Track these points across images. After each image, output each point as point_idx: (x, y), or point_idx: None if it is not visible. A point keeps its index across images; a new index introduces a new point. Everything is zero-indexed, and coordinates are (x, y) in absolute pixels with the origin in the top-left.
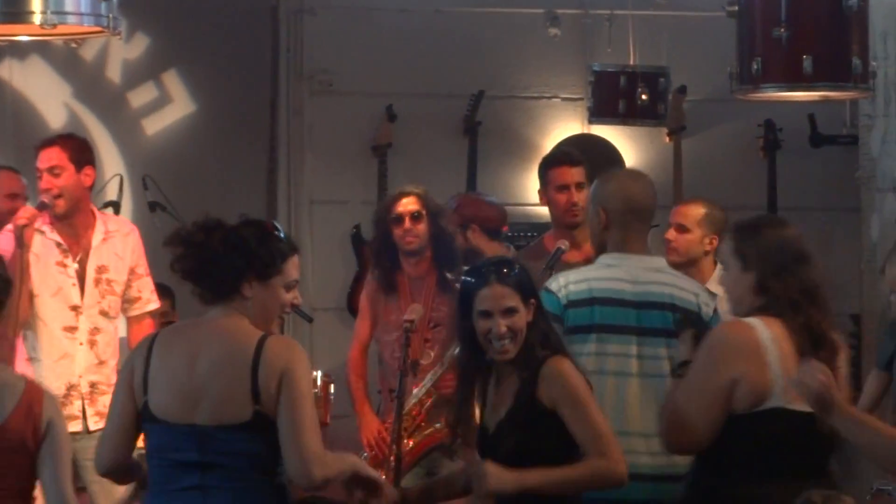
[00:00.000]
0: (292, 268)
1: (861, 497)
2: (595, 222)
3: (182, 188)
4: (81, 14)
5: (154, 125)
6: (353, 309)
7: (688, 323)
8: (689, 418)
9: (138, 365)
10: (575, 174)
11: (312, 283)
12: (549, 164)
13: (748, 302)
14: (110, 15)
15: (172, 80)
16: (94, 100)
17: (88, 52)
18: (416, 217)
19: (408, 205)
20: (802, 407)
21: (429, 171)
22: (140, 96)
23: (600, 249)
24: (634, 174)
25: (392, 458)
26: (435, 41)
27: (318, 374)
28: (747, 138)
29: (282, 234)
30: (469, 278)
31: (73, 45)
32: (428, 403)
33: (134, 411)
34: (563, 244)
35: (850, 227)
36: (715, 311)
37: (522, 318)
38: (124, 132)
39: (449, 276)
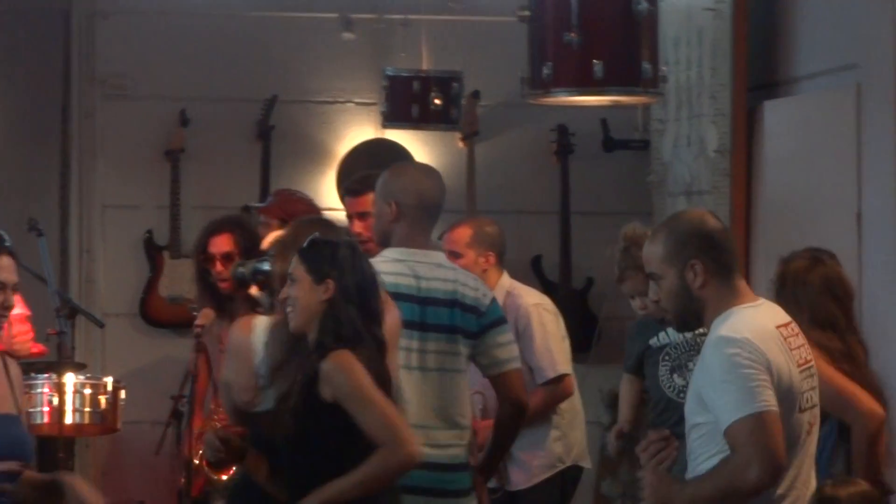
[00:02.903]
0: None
1: None
2: (384, 215)
3: None
4: None
5: None
6: (145, 314)
7: None
8: None
9: None
10: (353, 205)
11: (104, 287)
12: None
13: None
14: None
15: None
16: None
17: None
18: (227, 258)
19: (221, 244)
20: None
21: (222, 175)
22: None
23: (384, 243)
24: (426, 169)
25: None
26: (228, 45)
27: (110, 379)
28: (540, 143)
29: None
30: None
31: None
32: None
33: None
34: None
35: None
36: (492, 301)
37: (300, 289)
38: None
39: None
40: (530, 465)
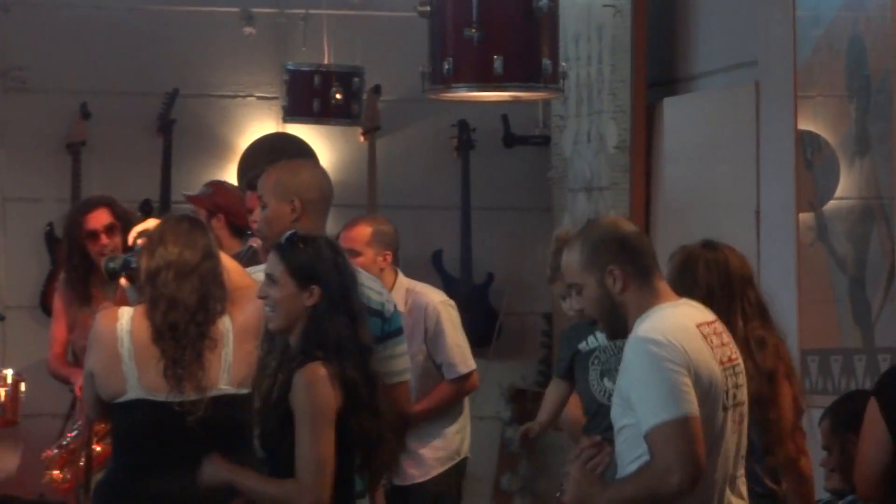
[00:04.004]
0: None
1: (554, 488)
2: (283, 214)
3: None
4: None
5: None
6: (46, 307)
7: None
8: None
9: None
10: (255, 199)
11: (5, 280)
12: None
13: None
14: None
15: None
16: None
17: None
18: (110, 229)
19: (100, 218)
20: (167, 397)
21: (123, 169)
22: None
23: None
24: (315, 164)
25: (82, 459)
26: (129, 39)
27: (10, 372)
28: (442, 138)
29: None
30: None
31: None
32: None
33: None
34: (255, 243)
35: (543, 226)
36: (395, 307)
37: (281, 292)
38: None
39: None
40: (427, 458)
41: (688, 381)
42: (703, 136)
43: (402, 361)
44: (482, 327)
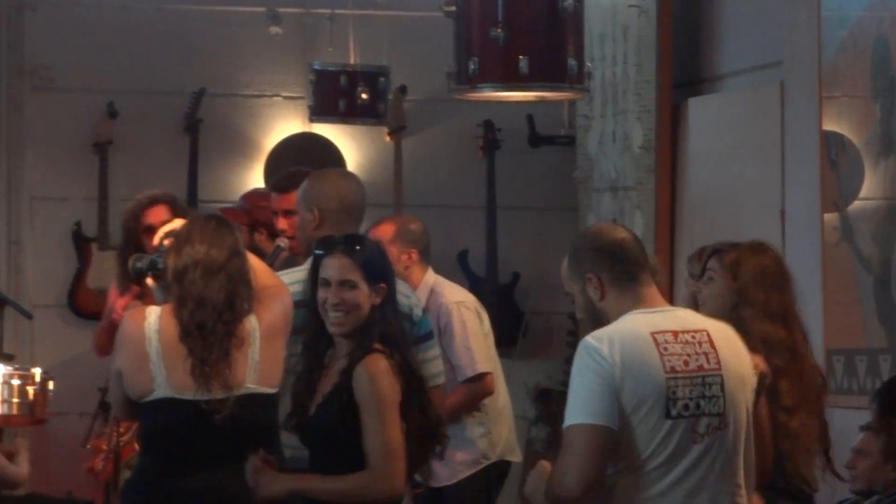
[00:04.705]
0: None
1: None
2: (307, 222)
3: None
4: None
5: None
6: (73, 306)
7: None
8: None
9: None
10: (280, 201)
11: (33, 279)
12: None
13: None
14: None
15: None
16: None
17: None
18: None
19: (159, 214)
20: (194, 396)
21: (150, 168)
22: None
23: (310, 251)
24: (346, 173)
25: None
26: (156, 38)
27: (38, 370)
28: (467, 138)
29: None
30: (319, 248)
31: None
32: None
33: None
34: (283, 242)
35: (568, 225)
36: (424, 311)
37: (361, 295)
38: None
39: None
40: (453, 460)
41: (607, 390)
42: (728, 136)
43: (434, 365)
44: (508, 327)
